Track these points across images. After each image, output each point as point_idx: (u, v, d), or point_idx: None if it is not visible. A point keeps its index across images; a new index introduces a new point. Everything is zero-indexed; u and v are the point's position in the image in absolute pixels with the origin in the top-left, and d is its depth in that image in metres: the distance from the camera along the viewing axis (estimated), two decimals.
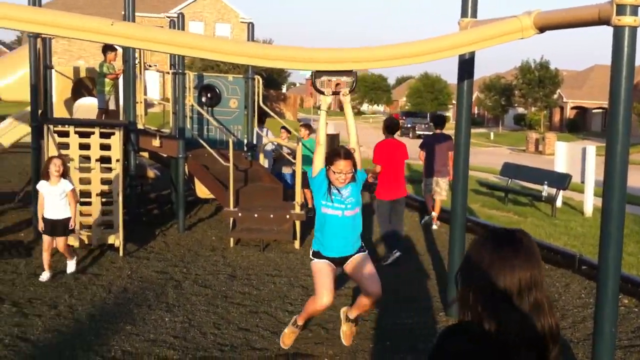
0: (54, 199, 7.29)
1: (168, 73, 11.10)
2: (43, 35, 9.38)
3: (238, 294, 7.25)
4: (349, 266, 5.26)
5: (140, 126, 10.58)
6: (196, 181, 11.62)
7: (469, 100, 6.46)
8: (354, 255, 5.24)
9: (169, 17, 50.97)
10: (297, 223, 9.49)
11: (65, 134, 8.48)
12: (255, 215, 9.45)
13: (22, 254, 8.38)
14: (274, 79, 61.14)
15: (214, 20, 55.39)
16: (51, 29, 4.82)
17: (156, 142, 10.13)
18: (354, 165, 5.01)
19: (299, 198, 9.56)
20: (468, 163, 6.59)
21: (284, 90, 75.38)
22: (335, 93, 5.21)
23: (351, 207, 5.09)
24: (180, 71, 9.87)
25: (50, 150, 8.27)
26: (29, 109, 9.94)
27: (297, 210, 9.46)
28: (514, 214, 12.79)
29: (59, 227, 7.36)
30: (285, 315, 6.58)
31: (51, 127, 8.42)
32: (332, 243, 5.14)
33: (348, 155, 4.99)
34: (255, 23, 12.03)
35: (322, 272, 5.14)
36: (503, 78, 63.74)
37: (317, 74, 5.35)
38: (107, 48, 10.58)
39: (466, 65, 6.40)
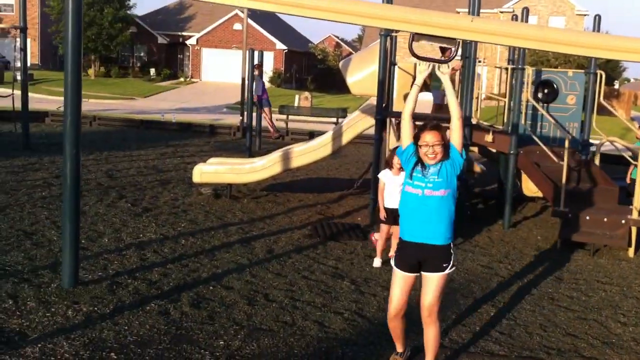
0: (394, 189, 7.39)
1: (506, 69, 11.08)
2: (393, 34, 10.01)
3: (565, 297, 7.04)
4: (423, 278, 4.75)
5: (473, 121, 10.75)
6: (523, 178, 11.45)
7: None
8: (437, 249, 4.62)
9: (502, 12, 50.57)
10: (634, 229, 8.86)
11: None
12: (587, 218, 9.03)
13: (359, 236, 9.04)
14: (607, 74, 57.06)
15: (549, 13, 53.41)
16: (413, 26, 5.07)
17: (489, 137, 10.21)
18: (444, 138, 4.50)
19: (637, 202, 8.90)
20: None
21: (616, 86, 69.80)
22: (433, 60, 4.78)
23: (434, 186, 4.50)
24: (519, 66, 9.79)
25: (391, 142, 8.86)
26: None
27: (635, 215, 8.82)
28: None
29: (398, 217, 7.66)
30: (617, 326, 6.24)
31: (393, 120, 9.01)
32: (411, 225, 4.64)
33: (435, 126, 4.50)
34: (592, 15, 11.39)
35: (395, 282, 4.78)
36: None
37: (416, 36, 4.93)
38: None
39: None
